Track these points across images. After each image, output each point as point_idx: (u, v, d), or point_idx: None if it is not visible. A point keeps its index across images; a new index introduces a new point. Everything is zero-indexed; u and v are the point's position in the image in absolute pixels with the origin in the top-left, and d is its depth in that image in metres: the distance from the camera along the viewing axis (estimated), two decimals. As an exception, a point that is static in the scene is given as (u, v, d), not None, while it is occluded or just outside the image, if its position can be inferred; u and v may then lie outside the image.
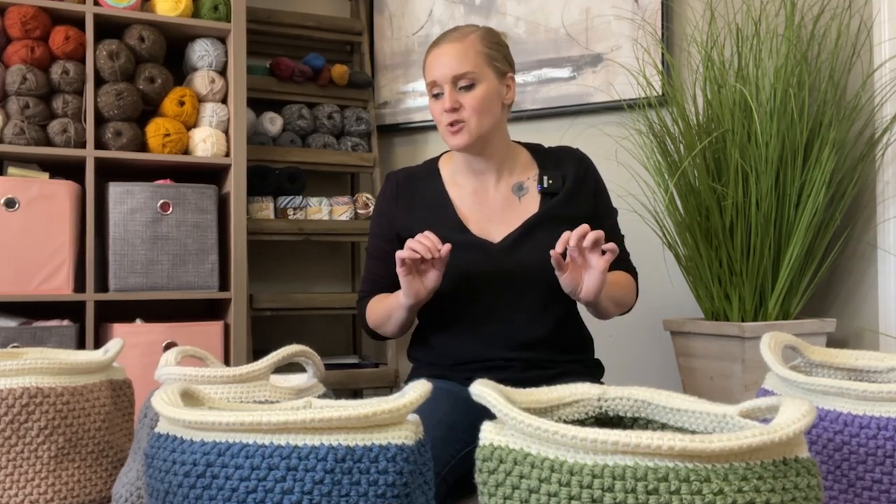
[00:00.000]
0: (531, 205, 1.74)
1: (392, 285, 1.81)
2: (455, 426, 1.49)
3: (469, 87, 1.67)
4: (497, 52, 1.72)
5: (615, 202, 1.86)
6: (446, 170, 1.81)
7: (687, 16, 2.66)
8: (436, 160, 1.85)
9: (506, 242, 1.70)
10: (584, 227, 1.51)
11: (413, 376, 1.79)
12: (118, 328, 2.32)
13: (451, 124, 1.68)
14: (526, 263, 1.68)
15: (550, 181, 1.74)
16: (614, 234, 1.81)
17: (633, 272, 1.83)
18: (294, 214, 2.74)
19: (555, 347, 1.71)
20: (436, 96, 1.70)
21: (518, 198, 1.75)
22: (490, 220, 1.73)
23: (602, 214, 1.78)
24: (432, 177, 1.80)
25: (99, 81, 2.39)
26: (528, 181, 1.77)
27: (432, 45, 1.73)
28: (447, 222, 1.73)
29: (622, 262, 1.82)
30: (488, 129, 1.70)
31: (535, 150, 1.83)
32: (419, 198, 1.78)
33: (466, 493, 1.46)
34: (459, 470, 1.46)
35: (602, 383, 1.33)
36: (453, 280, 1.69)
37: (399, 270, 1.57)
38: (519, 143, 1.83)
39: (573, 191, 1.74)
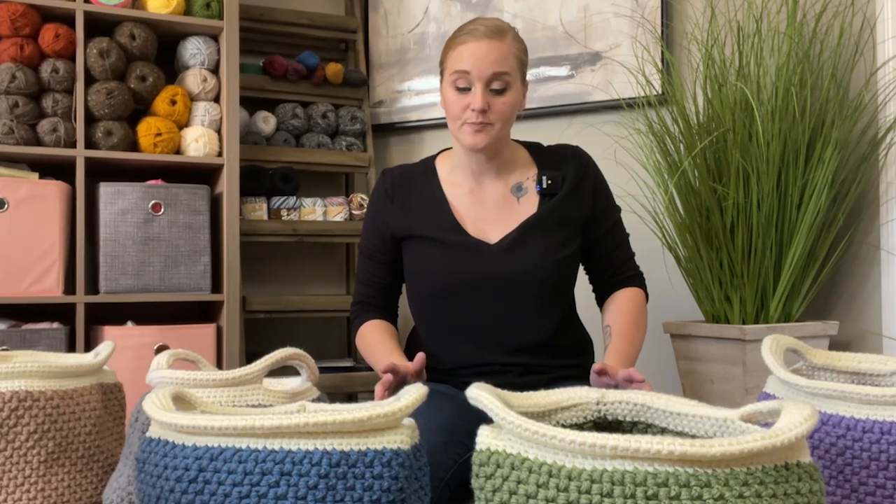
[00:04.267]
0: (530, 206, 1.72)
1: (387, 286, 1.79)
2: (456, 430, 1.47)
3: (500, 91, 1.63)
4: (526, 59, 1.70)
5: (614, 203, 1.84)
6: (443, 168, 1.78)
7: (687, 13, 2.65)
8: (432, 158, 1.82)
9: (503, 244, 1.68)
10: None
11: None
12: (109, 331, 2.30)
13: (473, 122, 1.63)
14: (523, 265, 1.66)
15: (549, 181, 1.71)
16: (618, 233, 1.79)
17: (639, 278, 1.80)
18: (288, 215, 2.72)
19: (554, 352, 1.68)
20: (460, 89, 1.64)
21: (517, 198, 1.73)
22: (487, 221, 1.71)
23: (602, 214, 1.75)
24: (428, 175, 1.78)
25: (89, 80, 2.37)
26: (527, 181, 1.74)
27: (465, 35, 1.64)
28: (443, 222, 1.70)
29: (627, 263, 1.80)
30: (505, 135, 1.69)
31: (534, 149, 1.80)
32: (415, 196, 1.75)
33: (465, 498, 1.44)
34: (461, 475, 1.44)
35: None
36: (449, 282, 1.66)
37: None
38: (518, 141, 1.80)
39: (573, 191, 1.72)
